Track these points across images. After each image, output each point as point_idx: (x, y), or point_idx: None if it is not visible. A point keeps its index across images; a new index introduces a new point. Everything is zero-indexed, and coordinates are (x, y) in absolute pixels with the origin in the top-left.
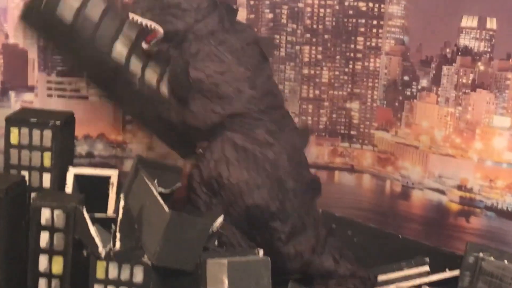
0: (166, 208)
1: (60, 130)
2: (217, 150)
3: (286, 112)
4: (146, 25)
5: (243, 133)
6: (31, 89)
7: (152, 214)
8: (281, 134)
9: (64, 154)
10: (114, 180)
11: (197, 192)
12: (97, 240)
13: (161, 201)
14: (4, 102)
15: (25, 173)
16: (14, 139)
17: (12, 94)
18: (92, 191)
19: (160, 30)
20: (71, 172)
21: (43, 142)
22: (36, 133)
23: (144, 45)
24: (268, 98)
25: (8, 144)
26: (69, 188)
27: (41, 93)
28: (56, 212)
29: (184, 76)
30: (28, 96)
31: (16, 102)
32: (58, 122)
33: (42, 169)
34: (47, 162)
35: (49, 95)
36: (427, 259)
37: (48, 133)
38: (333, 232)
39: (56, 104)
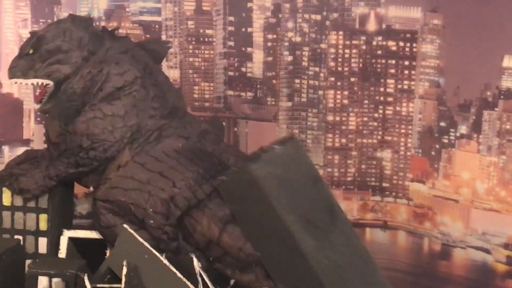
0: None
1: (58, 189)
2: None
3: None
4: (33, 84)
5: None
6: (27, 142)
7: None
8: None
9: (62, 216)
10: None
11: None
12: None
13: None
14: None
15: (19, 238)
16: (6, 200)
17: (5, 148)
18: (92, 253)
19: (50, 82)
20: (66, 236)
21: (38, 204)
22: None
23: (36, 107)
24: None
25: (0, 206)
26: (62, 253)
27: (38, 146)
28: (55, 280)
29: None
30: (23, 150)
31: (10, 157)
32: None
33: (37, 233)
34: (43, 225)
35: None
36: None
37: None
38: None
39: None
